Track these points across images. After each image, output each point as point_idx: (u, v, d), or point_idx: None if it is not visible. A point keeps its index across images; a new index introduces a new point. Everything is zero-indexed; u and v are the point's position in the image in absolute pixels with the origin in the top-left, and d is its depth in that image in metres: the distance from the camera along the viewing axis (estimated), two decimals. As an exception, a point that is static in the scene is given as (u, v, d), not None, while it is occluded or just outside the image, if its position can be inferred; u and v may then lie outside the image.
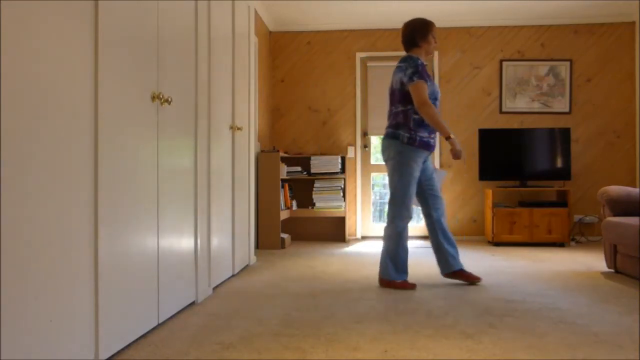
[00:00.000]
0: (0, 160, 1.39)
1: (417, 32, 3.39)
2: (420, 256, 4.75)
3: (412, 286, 3.32)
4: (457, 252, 3.44)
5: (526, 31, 6.04)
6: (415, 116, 3.28)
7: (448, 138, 3.23)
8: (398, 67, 3.34)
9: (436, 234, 3.43)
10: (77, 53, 1.77)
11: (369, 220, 6.19)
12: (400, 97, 3.31)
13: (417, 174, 3.33)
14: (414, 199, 3.40)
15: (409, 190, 3.30)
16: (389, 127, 3.37)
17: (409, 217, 3.35)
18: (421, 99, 3.20)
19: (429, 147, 3.35)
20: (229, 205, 3.64)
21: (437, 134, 3.41)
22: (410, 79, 3.24)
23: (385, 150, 3.38)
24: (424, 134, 3.29)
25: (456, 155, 3.30)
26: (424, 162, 3.41)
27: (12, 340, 1.44)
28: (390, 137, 3.33)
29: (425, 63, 3.35)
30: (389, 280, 3.34)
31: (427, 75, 3.27)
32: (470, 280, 3.42)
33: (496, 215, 5.46)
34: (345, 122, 6.18)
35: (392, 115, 3.37)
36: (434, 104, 3.31)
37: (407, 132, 3.27)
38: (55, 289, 1.64)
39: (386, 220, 3.39)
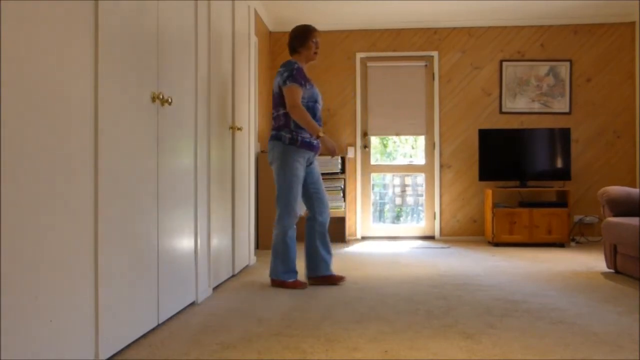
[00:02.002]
0: (0, 160, 1.39)
1: (296, 38, 3.46)
2: (421, 256, 4.75)
3: (303, 285, 3.34)
4: (330, 260, 3.47)
5: (526, 31, 6.04)
6: None
7: (318, 137, 3.30)
8: (278, 72, 3.41)
9: (314, 238, 3.46)
10: (77, 53, 1.77)
11: (369, 221, 6.19)
12: (280, 101, 3.39)
13: (301, 173, 3.36)
14: (299, 200, 3.43)
15: (293, 189, 3.34)
16: (272, 129, 3.44)
17: (295, 217, 3.38)
18: (291, 102, 3.28)
19: (312, 147, 3.39)
20: (229, 205, 3.64)
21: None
22: (285, 82, 3.32)
23: (269, 152, 3.42)
24: (305, 135, 3.35)
25: (330, 152, 3.35)
26: (310, 164, 3.46)
27: (12, 340, 1.44)
28: (274, 139, 3.39)
29: (300, 67, 3.37)
30: (279, 280, 3.36)
31: (302, 79, 3.32)
32: (336, 280, 3.44)
33: (496, 216, 5.46)
34: (345, 122, 6.18)
35: (274, 118, 3.44)
36: (314, 106, 3.39)
37: (289, 132, 3.33)
38: (55, 289, 1.64)
39: (275, 219, 3.43)
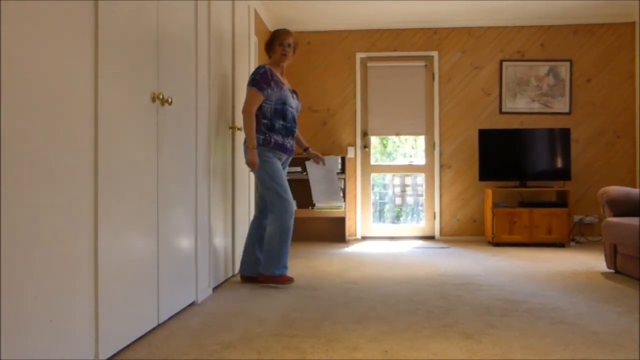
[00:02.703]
0: (0, 160, 1.39)
1: (267, 44, 3.57)
2: (421, 256, 4.75)
3: (290, 280, 3.38)
4: (264, 261, 3.47)
5: (526, 31, 6.04)
6: (264, 120, 3.39)
7: (249, 147, 3.31)
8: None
9: (256, 237, 3.52)
10: (77, 53, 1.77)
11: (369, 221, 6.19)
12: None
13: (279, 167, 3.41)
14: (287, 188, 3.43)
15: (281, 184, 3.36)
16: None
17: (290, 203, 3.39)
18: (245, 106, 3.37)
19: (285, 150, 3.44)
20: (229, 205, 3.64)
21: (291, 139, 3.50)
22: (247, 85, 3.41)
23: (244, 155, 3.43)
24: (277, 137, 3.40)
25: (250, 165, 3.33)
26: (283, 167, 3.51)
27: (12, 340, 1.44)
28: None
29: (267, 71, 3.38)
30: (269, 275, 3.37)
31: (264, 83, 3.35)
32: (266, 282, 3.44)
33: (496, 216, 5.46)
34: (345, 122, 6.18)
35: None
36: (283, 108, 3.41)
37: (262, 134, 3.37)
38: (55, 289, 1.64)
39: (270, 217, 3.41)
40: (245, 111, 3.36)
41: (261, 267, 3.42)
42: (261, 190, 3.45)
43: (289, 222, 3.37)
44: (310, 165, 3.86)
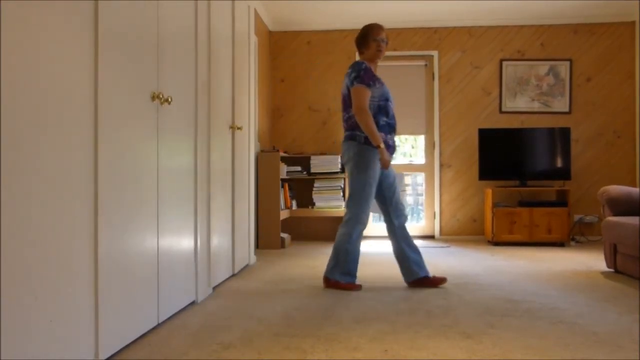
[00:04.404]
0: (0, 160, 1.39)
1: (359, 39, 3.43)
2: (420, 256, 4.75)
3: (358, 287, 3.29)
4: (421, 259, 3.38)
5: (526, 31, 6.04)
6: None
7: (377, 147, 3.22)
8: (346, 74, 3.36)
9: (399, 242, 3.38)
10: (77, 53, 1.76)
11: (368, 221, 6.18)
12: (350, 102, 3.31)
13: (375, 175, 3.29)
14: (374, 204, 3.37)
15: (365, 190, 3.26)
16: (346, 130, 3.37)
17: (366, 219, 3.31)
18: (357, 103, 3.21)
19: (388, 147, 3.31)
20: (229, 205, 3.64)
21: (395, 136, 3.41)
22: (352, 83, 3.26)
23: (344, 152, 3.37)
24: (382, 135, 3.27)
25: (383, 165, 3.26)
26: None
27: (12, 340, 1.44)
28: (348, 139, 3.33)
29: (368, 67, 3.30)
30: (334, 280, 3.30)
31: (369, 79, 3.25)
32: (436, 284, 3.35)
33: (496, 215, 5.46)
34: (345, 121, 6.17)
35: (346, 120, 3.37)
36: (386, 104, 3.32)
37: (364, 132, 3.24)
38: (55, 289, 1.64)
39: (343, 219, 3.36)
40: (360, 109, 3.19)
41: (327, 270, 3.34)
42: (349, 185, 3.33)
43: (360, 230, 3.30)
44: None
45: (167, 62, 2.51)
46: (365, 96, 3.22)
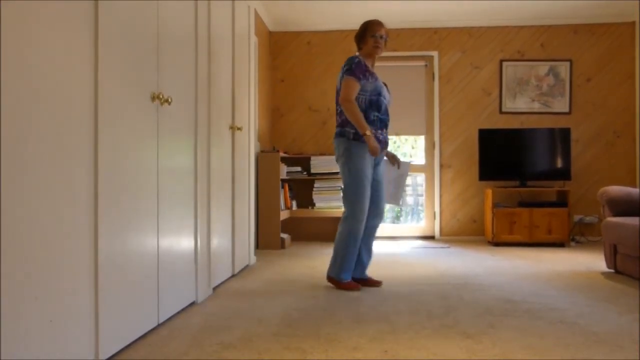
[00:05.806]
0: (0, 160, 1.39)
1: (357, 36, 3.46)
2: (421, 256, 4.75)
3: (357, 287, 3.29)
4: (368, 263, 3.44)
5: (526, 31, 6.04)
6: None
7: (364, 134, 3.20)
8: (341, 68, 3.37)
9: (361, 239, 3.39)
10: (77, 53, 1.77)
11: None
12: None
13: (368, 170, 3.28)
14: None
15: (359, 186, 3.25)
16: (337, 126, 3.37)
17: (363, 217, 3.29)
18: (344, 94, 3.23)
19: (379, 142, 3.28)
20: (229, 205, 3.63)
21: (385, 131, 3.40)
22: (342, 76, 3.30)
23: (335, 150, 3.37)
24: (372, 129, 3.26)
25: (372, 152, 3.23)
26: (377, 165, 3.38)
27: (12, 340, 1.44)
28: (338, 136, 3.34)
29: (361, 61, 3.30)
30: (334, 279, 3.33)
31: (360, 73, 3.25)
32: (372, 284, 3.39)
33: (496, 216, 5.46)
34: (345, 122, 6.17)
35: (338, 114, 3.37)
36: (378, 99, 3.31)
37: (352, 128, 3.25)
38: (55, 289, 1.63)
39: (341, 216, 3.36)
40: (346, 100, 3.21)
41: (328, 268, 3.38)
42: (343, 182, 3.34)
43: (356, 227, 3.28)
44: (384, 164, 3.58)
45: (167, 63, 2.51)
46: (353, 88, 3.23)
